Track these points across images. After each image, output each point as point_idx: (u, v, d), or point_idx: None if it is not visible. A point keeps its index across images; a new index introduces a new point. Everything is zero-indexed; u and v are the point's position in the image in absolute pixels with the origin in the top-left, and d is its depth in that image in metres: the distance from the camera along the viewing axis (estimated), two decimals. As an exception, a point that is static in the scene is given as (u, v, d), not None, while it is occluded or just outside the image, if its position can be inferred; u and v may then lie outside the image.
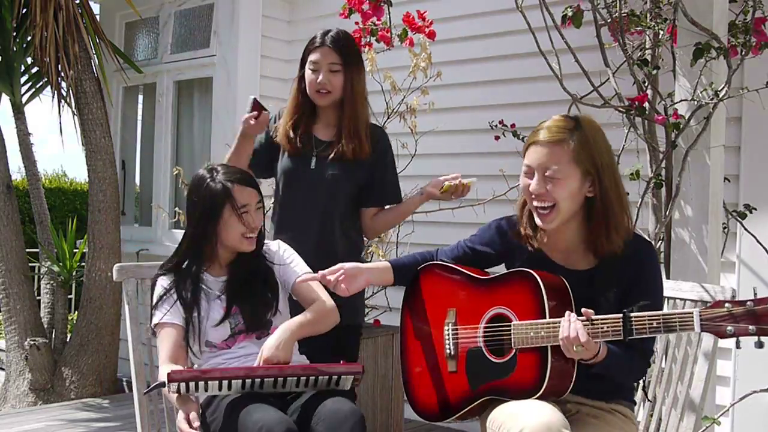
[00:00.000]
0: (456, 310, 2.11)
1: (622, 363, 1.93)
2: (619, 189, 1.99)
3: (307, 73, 2.66)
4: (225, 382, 2.05)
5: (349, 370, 2.14)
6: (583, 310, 1.85)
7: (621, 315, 1.82)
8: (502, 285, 2.05)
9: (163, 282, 2.30)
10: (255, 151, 2.69)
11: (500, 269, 2.17)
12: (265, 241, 2.42)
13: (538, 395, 1.89)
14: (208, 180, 2.26)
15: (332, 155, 2.63)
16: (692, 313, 1.76)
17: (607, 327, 1.83)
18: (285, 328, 2.21)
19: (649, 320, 1.80)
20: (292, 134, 2.67)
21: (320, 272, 2.21)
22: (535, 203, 1.98)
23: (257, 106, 2.56)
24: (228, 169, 2.32)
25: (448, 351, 2.09)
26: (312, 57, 2.63)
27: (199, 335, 2.26)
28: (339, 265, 2.19)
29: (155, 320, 2.27)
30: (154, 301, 2.29)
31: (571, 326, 1.82)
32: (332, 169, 2.63)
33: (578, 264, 2.05)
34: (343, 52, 2.61)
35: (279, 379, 2.08)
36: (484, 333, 2.03)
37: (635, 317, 1.81)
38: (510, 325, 1.96)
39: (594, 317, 1.84)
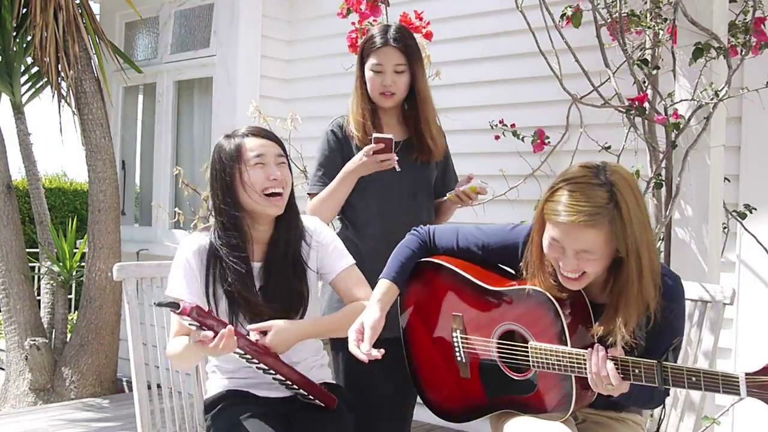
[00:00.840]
0: (462, 318, 2.03)
1: (643, 394, 1.85)
2: (646, 268, 1.77)
3: (369, 74, 2.48)
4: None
5: (322, 400, 2.08)
6: (610, 350, 1.75)
7: (655, 362, 1.70)
8: (514, 300, 1.93)
9: (194, 255, 2.09)
10: (321, 165, 2.59)
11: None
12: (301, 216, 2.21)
13: (563, 420, 1.86)
14: (223, 142, 2.11)
15: (412, 158, 2.52)
16: (738, 378, 1.62)
17: (639, 371, 1.73)
18: (304, 326, 2.08)
19: (687, 374, 1.68)
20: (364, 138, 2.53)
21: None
22: (564, 272, 1.81)
23: (383, 142, 2.39)
24: (249, 126, 2.15)
25: (459, 358, 2.04)
26: (374, 58, 2.46)
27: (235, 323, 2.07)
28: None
29: (173, 294, 2.08)
30: (178, 271, 2.09)
31: (600, 364, 1.72)
32: (410, 170, 2.50)
33: (597, 298, 1.91)
34: (407, 50, 2.45)
35: (263, 367, 2.02)
36: (498, 347, 1.96)
37: (672, 368, 1.69)
38: (527, 347, 1.88)
39: (624, 358, 1.73)
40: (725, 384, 1.63)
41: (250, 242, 2.11)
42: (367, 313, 1.96)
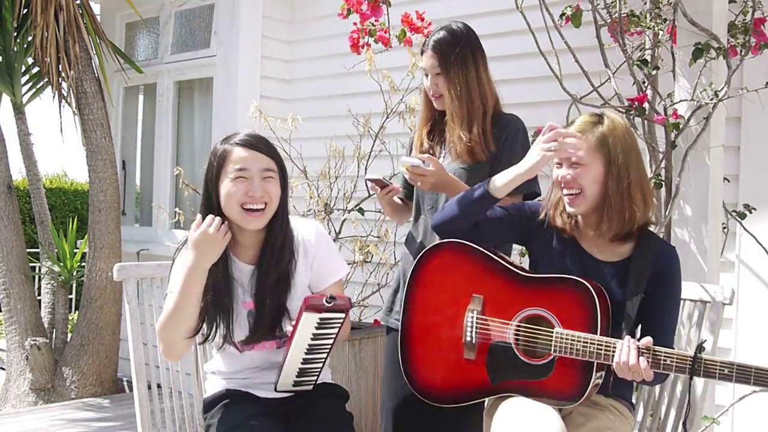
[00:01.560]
0: (483, 299, 2.07)
1: (658, 376, 1.96)
2: (630, 182, 2.01)
3: (423, 79, 2.59)
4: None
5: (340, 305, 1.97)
6: (643, 340, 1.87)
7: (691, 355, 1.83)
8: (546, 286, 2.03)
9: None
10: (405, 181, 2.65)
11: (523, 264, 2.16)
12: (296, 223, 2.17)
13: (573, 405, 1.95)
14: (217, 146, 2.08)
15: (449, 157, 2.52)
16: None
17: (671, 361, 1.84)
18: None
19: (721, 366, 1.80)
20: (426, 144, 2.58)
21: None
22: (564, 191, 2.05)
23: (378, 183, 2.51)
24: (247, 133, 2.09)
25: (468, 338, 2.06)
26: (420, 63, 2.59)
27: (230, 329, 2.08)
28: None
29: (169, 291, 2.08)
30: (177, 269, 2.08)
31: (631, 353, 1.85)
32: (452, 170, 2.48)
33: (605, 256, 2.08)
34: (441, 52, 2.48)
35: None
36: (517, 330, 2.02)
37: (707, 360, 1.81)
38: (552, 331, 1.95)
39: (657, 349, 1.86)
40: (757, 377, 1.75)
41: (235, 246, 2.11)
42: (522, 166, 2.09)
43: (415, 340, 2.18)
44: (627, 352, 1.85)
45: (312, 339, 1.99)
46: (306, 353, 2.03)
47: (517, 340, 2.01)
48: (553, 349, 1.94)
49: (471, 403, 2.10)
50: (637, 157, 2.04)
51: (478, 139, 2.43)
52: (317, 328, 1.97)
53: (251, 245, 2.12)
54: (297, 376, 2.09)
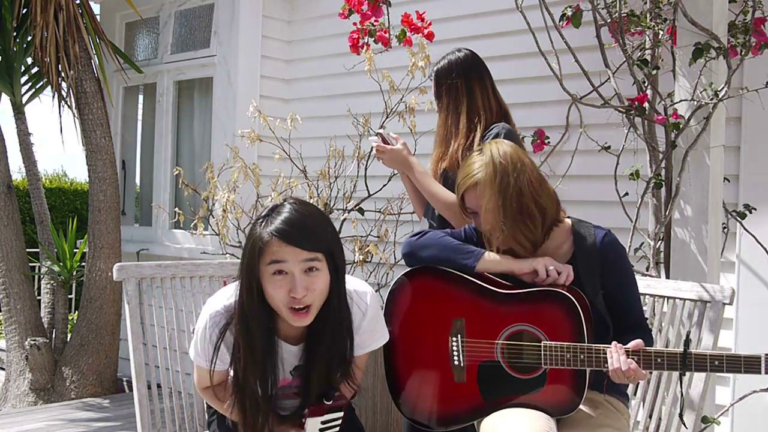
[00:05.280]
0: (464, 321, 2.07)
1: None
2: (525, 197, 2.03)
3: None
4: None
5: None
6: (632, 343, 1.89)
7: (680, 351, 1.86)
8: (525, 302, 2.01)
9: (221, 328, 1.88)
10: None
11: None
12: (353, 294, 1.95)
13: (568, 415, 1.96)
14: (260, 222, 1.82)
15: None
16: (760, 357, 1.78)
17: (661, 360, 1.88)
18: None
19: (711, 359, 1.83)
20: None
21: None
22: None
23: (382, 138, 2.76)
24: (289, 214, 1.80)
25: (456, 362, 2.07)
26: None
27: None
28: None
29: (199, 362, 1.94)
30: (206, 345, 1.90)
31: (621, 359, 1.86)
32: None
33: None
34: (437, 83, 2.72)
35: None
36: (504, 348, 2.02)
37: (695, 354, 1.84)
38: (539, 345, 1.96)
39: (647, 350, 1.88)
40: (747, 364, 1.78)
41: (278, 334, 1.90)
42: (514, 264, 2.07)
43: (404, 372, 2.17)
44: (617, 358, 1.86)
45: None
46: None
47: (504, 357, 2.01)
48: (543, 361, 1.95)
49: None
50: (527, 170, 2.04)
51: (450, 159, 2.61)
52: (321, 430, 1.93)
53: (298, 329, 1.92)
54: None
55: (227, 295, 1.91)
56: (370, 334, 2.00)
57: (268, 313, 1.84)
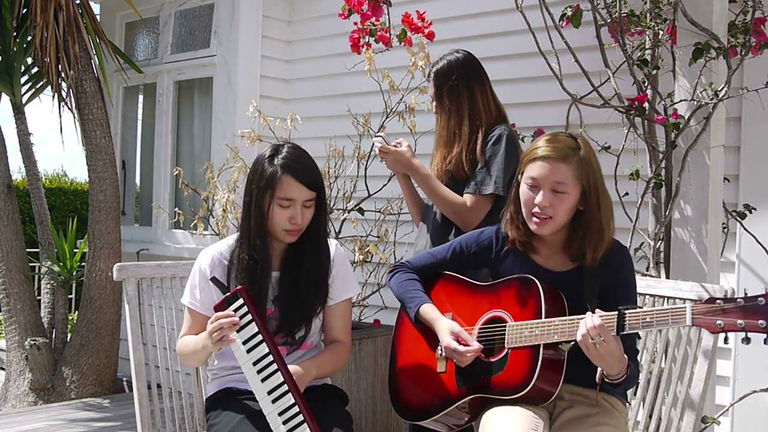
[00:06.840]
0: (452, 315, 2.17)
1: (635, 371, 2.01)
2: (606, 206, 2.07)
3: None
4: (260, 345, 2.03)
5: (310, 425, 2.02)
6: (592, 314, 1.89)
7: (616, 312, 1.87)
8: (501, 289, 2.12)
9: (221, 258, 2.23)
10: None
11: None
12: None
13: (521, 394, 1.93)
14: (266, 159, 2.16)
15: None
16: (685, 307, 1.80)
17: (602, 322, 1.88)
18: (311, 372, 2.15)
19: (642, 315, 1.85)
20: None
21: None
22: (535, 213, 2.05)
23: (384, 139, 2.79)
24: (292, 153, 2.18)
25: (439, 352, 2.14)
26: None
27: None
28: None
29: (188, 302, 2.23)
30: (197, 278, 2.22)
31: (588, 322, 1.86)
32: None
33: (558, 266, 2.13)
34: (437, 84, 2.73)
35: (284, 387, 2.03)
36: (479, 333, 2.09)
37: (630, 314, 1.86)
38: (505, 326, 2.03)
39: (604, 314, 1.89)
40: (674, 316, 1.80)
41: (273, 247, 2.23)
42: (444, 325, 2.12)
43: (402, 372, 2.26)
44: (585, 324, 1.85)
45: (241, 341, 2.04)
46: (252, 361, 2.03)
47: (479, 342, 2.07)
48: (506, 342, 2.01)
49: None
50: (602, 180, 2.07)
51: (455, 162, 2.64)
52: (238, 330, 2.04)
53: (281, 251, 2.26)
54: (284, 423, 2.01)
55: (220, 245, 2.27)
56: (342, 281, 2.28)
57: (265, 232, 2.20)
